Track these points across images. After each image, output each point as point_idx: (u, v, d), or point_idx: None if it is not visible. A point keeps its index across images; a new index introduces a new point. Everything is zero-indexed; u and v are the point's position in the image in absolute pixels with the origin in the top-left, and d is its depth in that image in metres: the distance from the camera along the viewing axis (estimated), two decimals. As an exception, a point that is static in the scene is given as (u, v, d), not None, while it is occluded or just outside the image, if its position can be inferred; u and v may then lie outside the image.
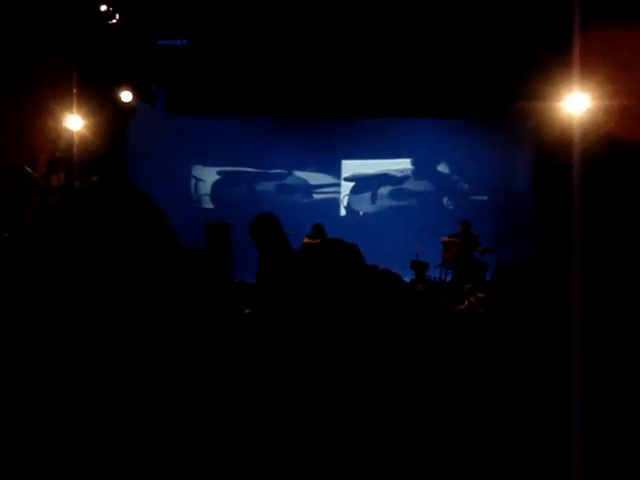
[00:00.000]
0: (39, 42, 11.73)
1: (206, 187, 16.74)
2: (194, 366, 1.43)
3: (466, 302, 7.71)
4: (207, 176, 16.73)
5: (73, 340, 1.29)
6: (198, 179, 16.73)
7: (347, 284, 2.44)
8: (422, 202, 16.67)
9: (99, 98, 12.50)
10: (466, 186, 16.50)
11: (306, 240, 12.44)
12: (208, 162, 16.62)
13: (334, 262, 2.48)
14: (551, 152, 11.92)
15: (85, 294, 1.30)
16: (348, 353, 2.34)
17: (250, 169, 16.66)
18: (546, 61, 11.38)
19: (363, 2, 12.13)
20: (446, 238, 13.25)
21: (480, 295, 7.71)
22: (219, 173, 16.72)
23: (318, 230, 12.55)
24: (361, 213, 16.75)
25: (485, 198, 16.31)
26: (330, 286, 2.43)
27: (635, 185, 12.17)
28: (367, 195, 16.77)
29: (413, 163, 16.73)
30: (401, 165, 16.72)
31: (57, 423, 1.29)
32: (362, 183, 16.74)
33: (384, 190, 16.72)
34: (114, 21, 12.05)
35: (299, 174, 16.75)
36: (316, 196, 16.77)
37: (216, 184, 16.73)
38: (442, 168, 16.62)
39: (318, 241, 11.27)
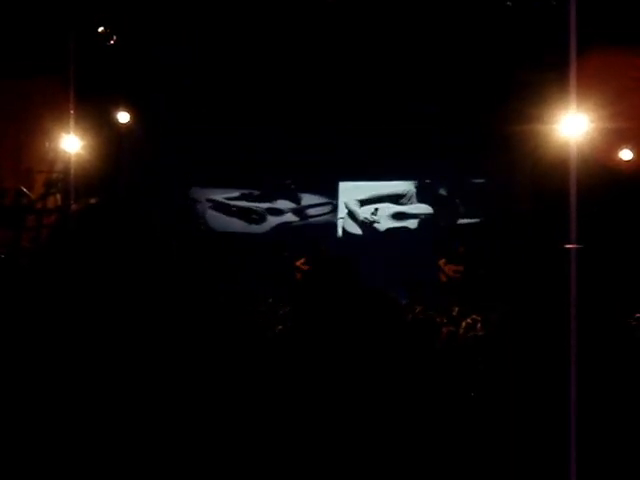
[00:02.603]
0: (37, 63, 11.77)
1: (203, 207, 16.73)
2: (186, 371, 1.44)
3: (463, 324, 7.69)
4: (203, 196, 16.72)
5: (70, 350, 1.31)
6: (194, 199, 16.73)
7: (337, 307, 2.42)
8: (420, 224, 16.64)
9: (96, 119, 12.53)
10: (464, 209, 16.50)
11: (299, 263, 12.41)
12: (204, 182, 16.61)
13: (323, 286, 2.46)
14: (549, 174, 11.94)
15: (83, 310, 1.31)
16: (345, 372, 2.33)
17: (247, 190, 16.66)
18: (544, 83, 11.43)
19: (362, 18, 12.20)
20: (444, 261, 13.24)
21: (476, 317, 7.69)
22: (216, 193, 16.72)
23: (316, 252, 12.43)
24: (359, 235, 16.73)
25: (483, 221, 16.30)
26: (320, 310, 2.41)
27: (634, 209, 12.21)
28: (365, 217, 16.76)
29: (411, 186, 16.74)
30: (400, 187, 16.72)
31: (60, 424, 1.30)
32: (360, 205, 16.74)
33: (382, 212, 16.71)
34: (111, 42, 12.11)
35: (298, 195, 16.75)
36: (314, 218, 16.75)
37: (213, 204, 16.73)
38: (440, 191, 16.63)
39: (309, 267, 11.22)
